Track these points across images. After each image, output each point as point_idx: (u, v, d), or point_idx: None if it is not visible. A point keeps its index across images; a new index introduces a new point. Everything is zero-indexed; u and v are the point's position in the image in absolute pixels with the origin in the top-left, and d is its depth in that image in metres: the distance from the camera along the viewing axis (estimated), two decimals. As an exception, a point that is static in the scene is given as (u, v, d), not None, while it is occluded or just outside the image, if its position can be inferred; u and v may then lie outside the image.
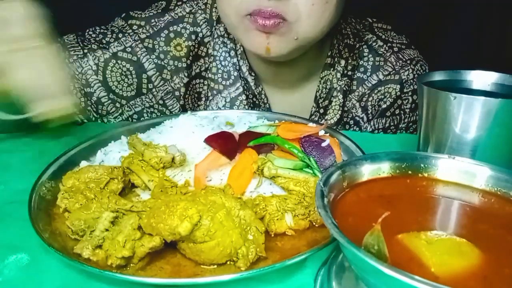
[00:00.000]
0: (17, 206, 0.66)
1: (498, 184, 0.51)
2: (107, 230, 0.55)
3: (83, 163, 0.75)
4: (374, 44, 1.05)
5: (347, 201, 0.50)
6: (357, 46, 1.05)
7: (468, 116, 0.61)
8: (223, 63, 1.04)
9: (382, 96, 1.03)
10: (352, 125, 1.06)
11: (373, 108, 1.05)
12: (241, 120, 0.90)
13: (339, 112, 1.04)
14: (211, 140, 0.73)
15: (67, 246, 0.56)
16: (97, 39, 1.00)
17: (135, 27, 1.01)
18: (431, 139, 0.68)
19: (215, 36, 1.02)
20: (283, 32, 0.82)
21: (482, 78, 0.71)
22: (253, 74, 1.02)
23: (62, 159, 0.75)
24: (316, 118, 1.04)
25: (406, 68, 1.02)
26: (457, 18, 1.58)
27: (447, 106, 0.63)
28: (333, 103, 1.03)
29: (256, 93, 1.03)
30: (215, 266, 0.54)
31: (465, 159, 0.54)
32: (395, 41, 1.06)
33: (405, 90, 1.03)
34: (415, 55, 1.05)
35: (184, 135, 0.78)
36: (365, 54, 1.04)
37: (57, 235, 0.59)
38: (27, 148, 0.86)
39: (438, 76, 0.72)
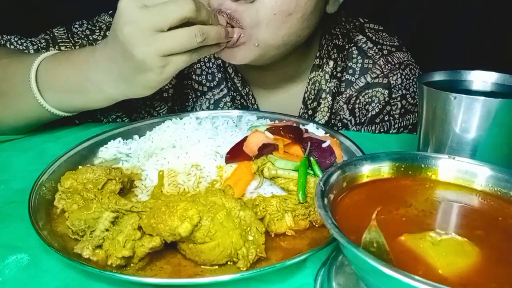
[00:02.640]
0: (17, 206, 0.66)
1: (498, 184, 0.51)
2: (107, 230, 0.55)
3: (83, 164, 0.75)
4: (363, 45, 1.03)
5: (347, 202, 0.50)
6: (346, 47, 1.03)
7: (468, 116, 0.61)
8: (207, 64, 1.03)
9: (370, 100, 1.02)
10: (340, 128, 1.05)
11: (361, 112, 1.03)
12: (241, 120, 0.90)
13: (328, 114, 1.03)
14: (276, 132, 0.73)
15: (67, 246, 0.56)
16: (85, 33, 0.99)
17: None
18: (431, 139, 0.68)
19: None
20: (243, 42, 0.80)
21: (482, 78, 0.71)
22: (239, 75, 1.01)
23: (62, 159, 0.75)
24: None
25: (395, 72, 1.01)
26: (457, 18, 1.59)
27: (447, 106, 0.63)
28: (321, 105, 1.03)
29: (244, 94, 1.03)
30: (216, 267, 0.54)
31: (465, 159, 0.54)
32: (385, 43, 1.04)
33: (393, 96, 1.01)
34: (405, 59, 1.03)
35: (185, 135, 0.78)
36: (354, 55, 1.03)
37: (57, 235, 0.59)
38: (27, 148, 0.86)
39: (438, 76, 0.72)
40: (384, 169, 0.54)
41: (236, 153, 0.71)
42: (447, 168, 0.54)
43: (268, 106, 1.06)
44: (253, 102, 1.04)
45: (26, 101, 0.81)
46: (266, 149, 0.72)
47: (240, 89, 1.02)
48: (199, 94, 1.05)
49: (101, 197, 0.60)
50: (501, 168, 0.52)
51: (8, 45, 0.96)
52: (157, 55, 0.67)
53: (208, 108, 1.05)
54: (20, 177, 0.75)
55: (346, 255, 0.44)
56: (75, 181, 0.66)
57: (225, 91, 1.04)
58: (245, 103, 1.04)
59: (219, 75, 1.03)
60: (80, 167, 0.70)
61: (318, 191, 0.47)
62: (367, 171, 0.54)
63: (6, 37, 0.97)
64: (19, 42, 0.96)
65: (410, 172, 0.55)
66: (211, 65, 1.03)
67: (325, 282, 0.51)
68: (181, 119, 0.85)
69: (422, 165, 0.55)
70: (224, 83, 1.03)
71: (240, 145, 0.72)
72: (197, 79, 1.04)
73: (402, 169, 0.55)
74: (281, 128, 0.74)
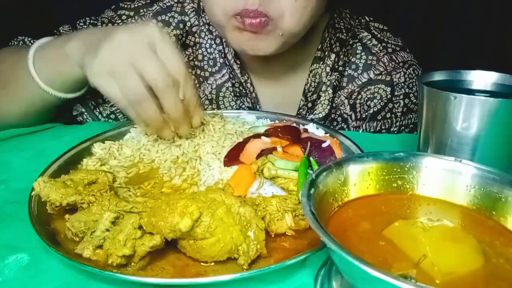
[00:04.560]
0: (17, 206, 0.66)
1: (484, 183, 0.51)
2: (107, 230, 0.55)
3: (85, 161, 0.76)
4: (368, 42, 1.04)
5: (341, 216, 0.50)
6: (350, 42, 1.04)
7: (468, 116, 0.61)
8: (208, 50, 1.04)
9: (372, 96, 1.02)
10: (340, 122, 1.06)
11: (362, 107, 1.04)
12: (241, 120, 0.90)
13: (328, 107, 1.03)
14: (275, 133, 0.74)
15: (67, 246, 0.56)
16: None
17: (124, 17, 1.02)
18: (431, 139, 0.68)
19: (201, 24, 1.03)
20: (269, 30, 0.83)
21: (482, 78, 0.71)
22: (238, 62, 1.01)
23: (62, 159, 0.75)
24: (304, 112, 1.04)
25: (398, 71, 1.02)
26: (457, 18, 1.58)
27: (447, 106, 0.63)
28: (322, 98, 1.03)
29: (242, 81, 1.02)
30: (217, 267, 0.54)
31: (449, 157, 0.54)
32: (390, 42, 1.05)
33: (396, 93, 1.02)
34: (409, 58, 1.05)
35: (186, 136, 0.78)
36: (358, 51, 1.04)
37: (57, 235, 0.59)
38: (27, 148, 0.86)
39: (438, 76, 0.72)
40: (380, 170, 0.54)
41: (234, 157, 0.71)
42: (433, 169, 0.53)
43: (267, 96, 1.06)
44: (252, 90, 1.04)
45: (28, 86, 0.84)
46: (265, 150, 0.72)
47: (239, 76, 1.02)
48: (201, 80, 1.05)
49: (101, 199, 0.60)
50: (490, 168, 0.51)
51: (21, 45, 0.99)
52: (113, 64, 0.66)
53: (210, 94, 1.05)
54: (20, 177, 0.75)
55: (329, 251, 0.43)
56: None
57: (227, 76, 1.04)
58: (243, 91, 1.04)
59: (221, 60, 1.04)
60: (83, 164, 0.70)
61: (308, 181, 0.47)
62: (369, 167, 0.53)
63: (20, 37, 1.00)
64: (32, 41, 0.99)
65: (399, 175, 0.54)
66: (212, 51, 1.04)
67: (325, 282, 0.51)
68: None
69: (409, 165, 0.54)
70: (226, 68, 1.04)
71: (237, 149, 0.72)
72: (199, 64, 1.05)
73: (395, 170, 0.54)
74: (279, 130, 0.74)
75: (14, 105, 0.90)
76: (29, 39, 1.00)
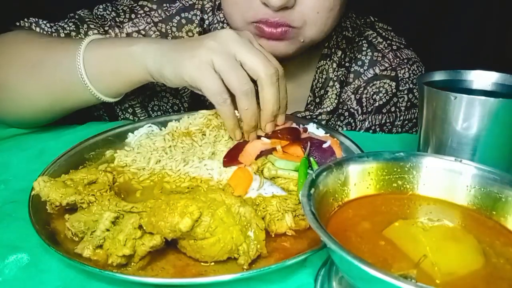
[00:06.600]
0: (17, 206, 0.66)
1: (485, 183, 0.51)
2: (108, 230, 0.55)
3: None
4: (374, 40, 1.07)
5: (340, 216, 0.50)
6: (356, 40, 1.07)
7: (469, 116, 0.61)
8: None
9: (377, 90, 1.05)
10: (347, 117, 1.08)
11: (368, 102, 1.07)
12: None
13: (335, 101, 1.05)
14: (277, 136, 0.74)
15: (67, 246, 0.56)
16: (111, 16, 1.00)
17: (146, 9, 1.01)
18: (431, 139, 0.68)
19: (215, 21, 1.04)
20: (290, 37, 0.85)
21: (482, 78, 0.71)
22: None
23: (62, 159, 0.75)
24: (312, 107, 1.05)
25: (403, 67, 1.05)
26: (457, 18, 1.59)
27: (447, 106, 0.63)
28: (329, 93, 1.05)
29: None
30: (217, 265, 0.54)
31: (449, 157, 0.53)
32: (394, 40, 1.09)
33: (400, 88, 1.05)
34: (413, 56, 1.09)
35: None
36: (364, 48, 1.07)
37: (57, 235, 0.59)
38: (27, 148, 0.86)
39: (438, 76, 0.72)
40: (380, 169, 0.54)
41: (233, 157, 0.71)
42: (434, 169, 0.53)
43: None
44: None
45: (66, 79, 0.80)
46: (265, 150, 0.72)
47: None
48: None
49: (101, 199, 0.60)
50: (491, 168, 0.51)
51: (34, 27, 0.94)
52: (209, 61, 0.67)
53: None
54: (20, 177, 0.75)
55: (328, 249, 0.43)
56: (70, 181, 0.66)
57: None
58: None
59: None
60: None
61: (308, 181, 0.47)
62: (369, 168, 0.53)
63: (33, 19, 0.95)
64: (48, 25, 0.95)
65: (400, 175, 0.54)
66: None
67: (325, 282, 0.51)
68: (180, 120, 0.85)
69: (409, 165, 0.54)
70: None
71: (237, 149, 0.72)
72: None
73: (395, 169, 0.54)
74: (278, 131, 0.74)
75: (41, 93, 0.84)
76: (44, 22, 0.94)
